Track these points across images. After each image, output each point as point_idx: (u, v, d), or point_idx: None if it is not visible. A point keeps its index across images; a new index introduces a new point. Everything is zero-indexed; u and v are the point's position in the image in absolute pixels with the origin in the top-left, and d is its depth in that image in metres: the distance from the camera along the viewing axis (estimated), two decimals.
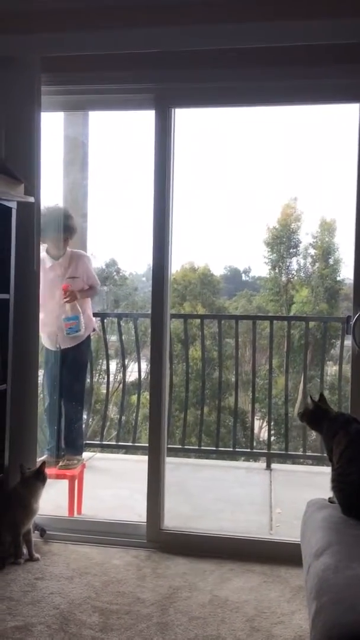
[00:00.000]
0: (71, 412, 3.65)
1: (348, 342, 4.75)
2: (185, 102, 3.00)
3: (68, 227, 3.51)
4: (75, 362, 3.62)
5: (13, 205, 2.72)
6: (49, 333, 3.54)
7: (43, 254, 3.48)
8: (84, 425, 4.37)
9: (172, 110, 2.94)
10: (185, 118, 3.07)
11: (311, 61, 2.71)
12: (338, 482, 2.23)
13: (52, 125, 3.45)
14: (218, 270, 9.54)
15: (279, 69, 2.76)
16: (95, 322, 5.15)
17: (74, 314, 3.47)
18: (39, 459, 3.02)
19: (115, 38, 2.77)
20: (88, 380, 4.88)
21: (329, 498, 2.33)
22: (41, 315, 3.46)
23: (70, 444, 3.63)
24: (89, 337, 3.68)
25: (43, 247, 3.41)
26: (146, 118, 2.99)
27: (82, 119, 4.12)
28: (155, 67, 2.86)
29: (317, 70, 2.72)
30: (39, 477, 2.76)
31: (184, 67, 2.85)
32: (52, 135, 3.54)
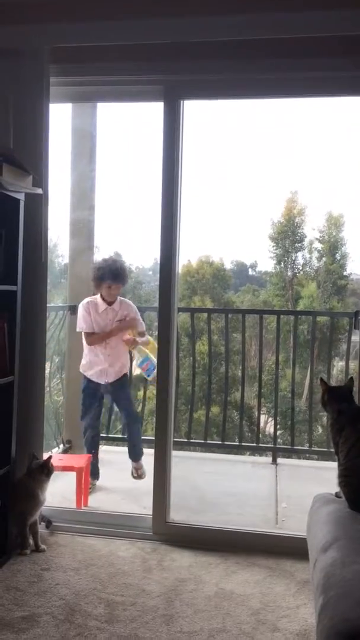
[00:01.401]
0: (132, 428, 4.00)
1: (355, 337, 4.74)
2: (194, 94, 2.97)
3: (123, 277, 3.83)
4: (122, 389, 3.94)
5: (21, 196, 2.72)
6: (100, 371, 3.82)
7: (97, 298, 3.81)
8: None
9: (181, 102, 2.92)
10: (191, 111, 3.05)
11: (324, 53, 2.68)
12: (345, 477, 2.22)
13: (60, 117, 3.44)
14: (226, 264, 9.53)
15: (290, 60, 2.73)
16: None
17: (142, 355, 3.86)
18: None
19: (124, 29, 2.75)
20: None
21: (336, 493, 2.32)
22: (87, 358, 3.84)
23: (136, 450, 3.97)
24: (126, 374, 4.02)
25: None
26: (155, 110, 2.98)
27: (90, 110, 4.11)
28: (165, 58, 2.84)
29: (330, 62, 2.69)
30: (44, 470, 2.76)
31: (193, 59, 2.83)
32: (60, 126, 3.55)
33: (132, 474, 3.92)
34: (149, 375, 3.93)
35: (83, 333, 3.79)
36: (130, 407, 4.06)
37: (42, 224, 2.87)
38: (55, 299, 4.94)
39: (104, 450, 4.68)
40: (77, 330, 3.80)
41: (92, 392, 3.85)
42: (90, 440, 3.87)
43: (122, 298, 3.91)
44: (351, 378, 2.45)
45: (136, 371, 4.17)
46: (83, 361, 3.87)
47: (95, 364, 3.82)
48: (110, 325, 3.79)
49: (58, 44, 2.84)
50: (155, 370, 3.76)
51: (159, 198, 2.94)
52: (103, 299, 3.79)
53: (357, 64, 2.67)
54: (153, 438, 3.05)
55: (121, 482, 3.90)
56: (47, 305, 3.02)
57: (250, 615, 2.27)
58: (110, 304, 3.80)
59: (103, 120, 4.25)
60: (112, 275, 3.75)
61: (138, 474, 3.89)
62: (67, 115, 4.06)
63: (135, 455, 3.95)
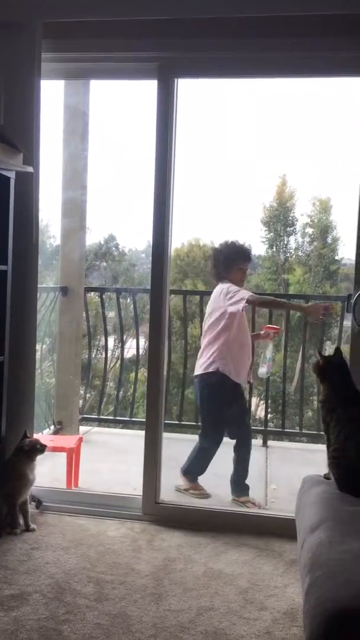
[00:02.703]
0: (244, 451, 3.41)
1: (347, 322, 4.75)
2: (189, 72, 2.93)
3: (251, 262, 3.50)
4: (243, 398, 3.55)
5: (11, 175, 2.68)
6: (246, 370, 3.37)
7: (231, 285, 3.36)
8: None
9: (176, 80, 2.88)
10: (183, 91, 3.00)
11: (321, 32, 2.64)
12: (335, 459, 2.24)
13: (52, 94, 3.38)
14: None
15: (288, 39, 2.69)
16: (95, 297, 5.14)
17: (271, 352, 3.49)
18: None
19: (119, 4, 2.70)
20: (85, 355, 4.89)
21: (325, 474, 2.34)
22: (228, 350, 3.28)
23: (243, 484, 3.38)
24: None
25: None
26: (149, 88, 2.93)
27: (83, 87, 4.04)
28: (159, 35, 2.79)
29: (328, 42, 2.66)
30: (22, 450, 2.74)
31: (188, 37, 2.78)
32: (52, 104, 3.49)
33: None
34: (267, 373, 3.56)
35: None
36: (246, 419, 3.57)
37: (33, 203, 2.83)
38: (47, 281, 4.91)
39: (96, 432, 4.70)
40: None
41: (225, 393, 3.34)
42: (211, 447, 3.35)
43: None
44: (338, 348, 2.46)
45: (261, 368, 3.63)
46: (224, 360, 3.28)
47: (246, 361, 3.35)
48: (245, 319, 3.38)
49: (51, 18, 2.78)
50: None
51: (152, 178, 2.91)
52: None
53: (356, 43, 2.64)
54: (144, 420, 3.06)
55: (112, 463, 3.91)
56: (38, 286, 2.99)
57: (238, 594, 2.30)
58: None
59: (96, 98, 4.17)
60: (245, 254, 3.40)
61: (248, 506, 3.26)
62: (60, 93, 4.00)
63: (241, 489, 3.33)
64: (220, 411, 3.35)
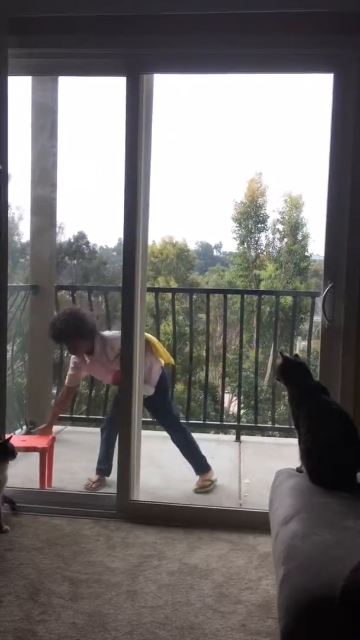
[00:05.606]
0: (183, 440, 3.58)
1: (317, 317, 4.82)
2: (157, 68, 2.91)
3: (61, 337, 3.52)
4: (157, 397, 3.56)
5: None
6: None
7: None
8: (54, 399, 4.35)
9: (144, 76, 2.87)
10: (155, 89, 2.98)
11: (287, 30, 2.66)
12: (307, 450, 2.27)
13: (19, 90, 3.33)
14: (190, 245, 9.52)
15: (254, 36, 2.70)
16: (67, 297, 5.09)
17: None
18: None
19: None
20: (57, 354, 4.85)
21: (297, 467, 2.38)
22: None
23: (199, 465, 3.54)
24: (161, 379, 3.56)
25: None
26: (119, 84, 2.91)
27: (51, 84, 3.99)
28: (127, 31, 2.78)
29: (293, 39, 2.68)
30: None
31: (156, 33, 2.77)
32: (19, 100, 3.43)
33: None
34: None
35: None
36: (160, 417, 3.73)
37: (1, 201, 2.79)
38: (15, 279, 4.85)
39: (69, 431, 4.66)
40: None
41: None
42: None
43: (102, 335, 3.51)
44: (296, 355, 2.53)
45: None
46: None
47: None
48: (106, 368, 3.47)
49: (17, 13, 2.74)
50: None
51: (123, 175, 2.89)
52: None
53: (321, 41, 2.68)
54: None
55: (85, 462, 3.89)
56: (8, 285, 2.95)
57: (213, 588, 2.31)
58: (90, 353, 3.48)
59: (65, 94, 4.12)
60: (68, 333, 3.40)
61: (198, 484, 3.44)
62: (27, 89, 3.94)
63: (195, 468, 3.52)
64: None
